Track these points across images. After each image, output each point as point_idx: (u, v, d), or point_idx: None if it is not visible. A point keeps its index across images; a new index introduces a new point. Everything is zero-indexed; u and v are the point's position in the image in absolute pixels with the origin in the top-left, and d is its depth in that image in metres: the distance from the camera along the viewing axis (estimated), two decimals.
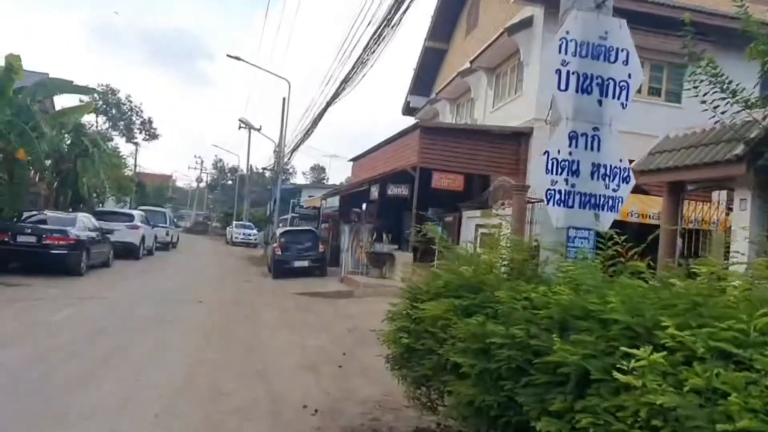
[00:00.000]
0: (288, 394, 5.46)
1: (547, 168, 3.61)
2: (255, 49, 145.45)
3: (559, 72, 3.68)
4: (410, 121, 27.74)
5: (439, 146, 16.17)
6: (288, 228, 23.55)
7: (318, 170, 78.25)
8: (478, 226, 16.01)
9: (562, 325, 2.21)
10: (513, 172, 16.24)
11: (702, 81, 7.31)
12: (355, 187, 21.03)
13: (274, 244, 19.44)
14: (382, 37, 13.31)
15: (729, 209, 11.45)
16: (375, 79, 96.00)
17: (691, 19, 16.66)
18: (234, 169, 66.75)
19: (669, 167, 8.54)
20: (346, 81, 16.78)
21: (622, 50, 3.81)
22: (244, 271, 20.75)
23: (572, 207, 3.66)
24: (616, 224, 4.10)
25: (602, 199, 3.74)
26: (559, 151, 3.65)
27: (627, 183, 3.81)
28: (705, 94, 7.37)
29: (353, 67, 15.49)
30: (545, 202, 3.62)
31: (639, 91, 16.95)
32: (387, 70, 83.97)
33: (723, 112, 7.60)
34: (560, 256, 3.34)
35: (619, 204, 3.80)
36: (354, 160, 23.22)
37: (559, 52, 3.68)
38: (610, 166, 3.75)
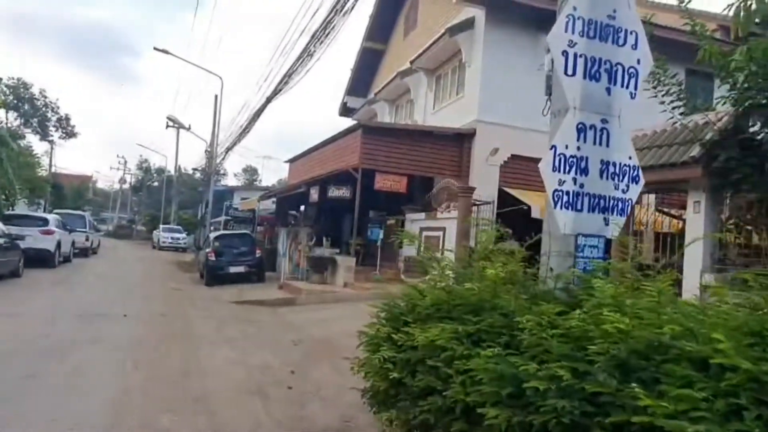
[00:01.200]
0: (234, 428, 4.75)
1: (553, 165, 3.15)
2: (186, 46, 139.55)
3: (565, 54, 3.23)
4: (347, 122, 27.21)
5: (382, 147, 15.73)
6: (222, 231, 22.36)
7: (250, 171, 76.15)
8: (422, 228, 15.67)
9: (623, 364, 1.71)
10: (456, 173, 16.03)
11: (659, 82, 7.27)
12: (293, 188, 20.20)
13: (208, 249, 18.32)
14: (331, 26, 12.58)
15: (658, 211, 11.66)
16: (310, 81, 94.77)
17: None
18: (161, 170, 63.63)
19: None
20: (289, 75, 15.94)
21: (631, 32, 3.42)
22: (173, 278, 19.44)
23: (581, 210, 3.22)
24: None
25: (612, 201, 3.33)
26: (566, 146, 3.20)
27: (636, 183, 3.43)
28: (664, 95, 7.34)
29: (299, 59, 14.66)
30: (551, 204, 3.15)
31: None
32: (322, 72, 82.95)
33: (681, 113, 7.61)
34: (570, 270, 2.89)
35: (629, 207, 3.41)
36: (291, 161, 22.38)
37: (566, 30, 3.23)
38: (620, 163, 3.34)
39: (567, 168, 3.18)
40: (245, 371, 6.80)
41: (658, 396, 1.46)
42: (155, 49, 28.06)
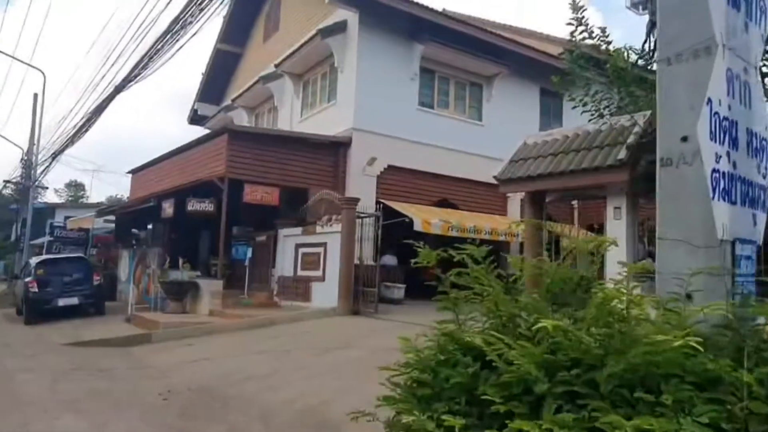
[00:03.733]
0: None
1: (711, 131, 2.02)
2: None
3: None
4: (197, 131, 24.58)
5: (251, 154, 14.03)
6: (48, 256, 18.57)
7: (75, 187, 67.58)
8: (298, 245, 14.14)
9: None
10: (332, 185, 14.83)
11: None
12: (140, 202, 17.40)
13: (28, 278, 14.89)
14: None
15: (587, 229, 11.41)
16: (144, 86, 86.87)
17: (494, 42, 17.30)
18: None
19: (541, 174, 7.89)
20: (150, 57, 13.37)
21: None
22: None
23: (735, 203, 2.16)
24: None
25: (757, 190, 2.32)
26: (719, 102, 2.11)
27: None
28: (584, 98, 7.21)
29: (159, 40, 12.29)
30: (708, 191, 2.00)
31: (447, 106, 17.12)
32: (159, 76, 75.88)
33: (602, 116, 7.44)
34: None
35: None
36: (135, 171, 19.43)
37: None
38: (759, 135, 2.35)
39: (722, 136, 2.10)
40: None
41: None
42: None
